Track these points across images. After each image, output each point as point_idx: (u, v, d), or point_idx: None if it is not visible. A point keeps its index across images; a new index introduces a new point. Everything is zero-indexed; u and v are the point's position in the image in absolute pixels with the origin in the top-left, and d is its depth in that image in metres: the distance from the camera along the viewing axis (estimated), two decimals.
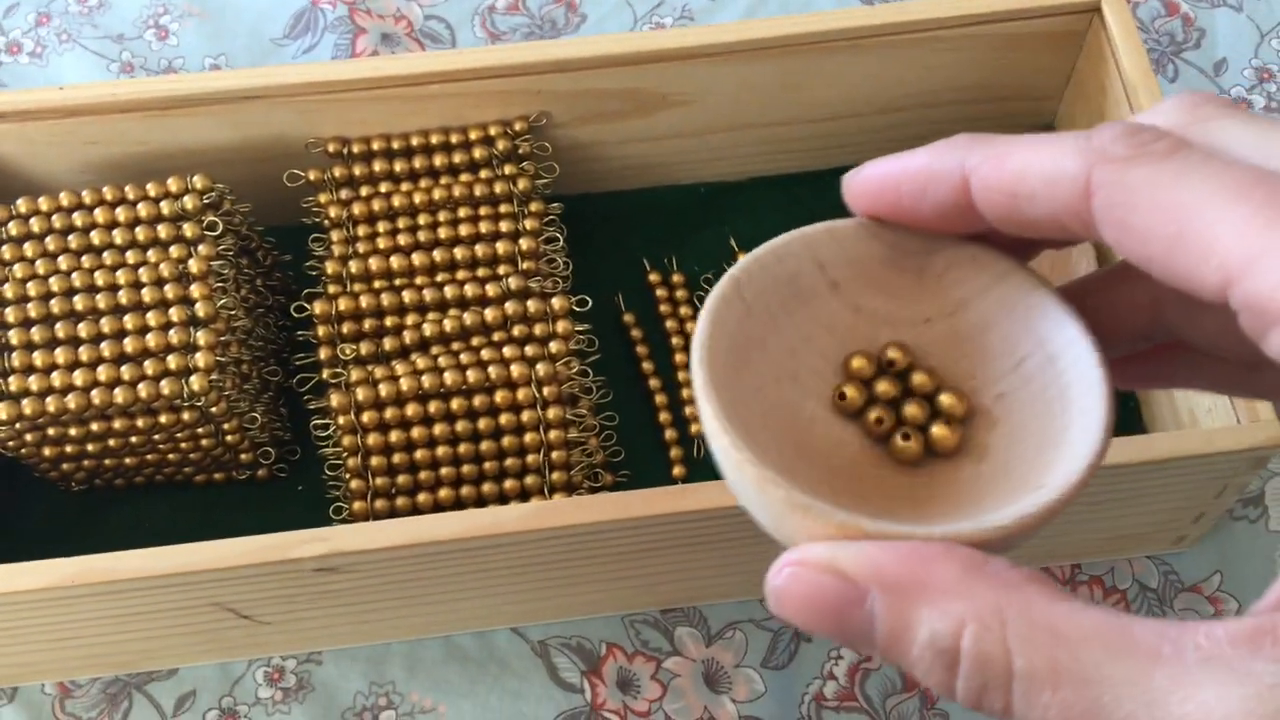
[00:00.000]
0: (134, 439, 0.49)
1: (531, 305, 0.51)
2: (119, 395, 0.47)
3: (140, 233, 0.50)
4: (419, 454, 0.49)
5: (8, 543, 0.53)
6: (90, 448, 0.50)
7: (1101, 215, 0.22)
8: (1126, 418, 0.53)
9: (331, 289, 0.52)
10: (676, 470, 0.54)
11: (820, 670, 0.51)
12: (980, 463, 0.29)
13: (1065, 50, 0.55)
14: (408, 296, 0.51)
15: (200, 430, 0.50)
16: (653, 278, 0.58)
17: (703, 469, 0.54)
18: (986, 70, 0.56)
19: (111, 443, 0.49)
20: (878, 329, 0.30)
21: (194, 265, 0.49)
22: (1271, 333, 0.20)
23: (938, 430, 0.28)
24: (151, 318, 0.48)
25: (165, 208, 0.50)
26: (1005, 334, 0.30)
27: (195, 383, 0.47)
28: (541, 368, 0.49)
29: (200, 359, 0.47)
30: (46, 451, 0.50)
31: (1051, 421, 0.29)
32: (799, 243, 0.29)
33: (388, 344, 0.51)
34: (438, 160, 0.54)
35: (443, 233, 0.53)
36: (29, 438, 0.49)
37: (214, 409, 0.48)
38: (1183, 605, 0.51)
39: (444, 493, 0.50)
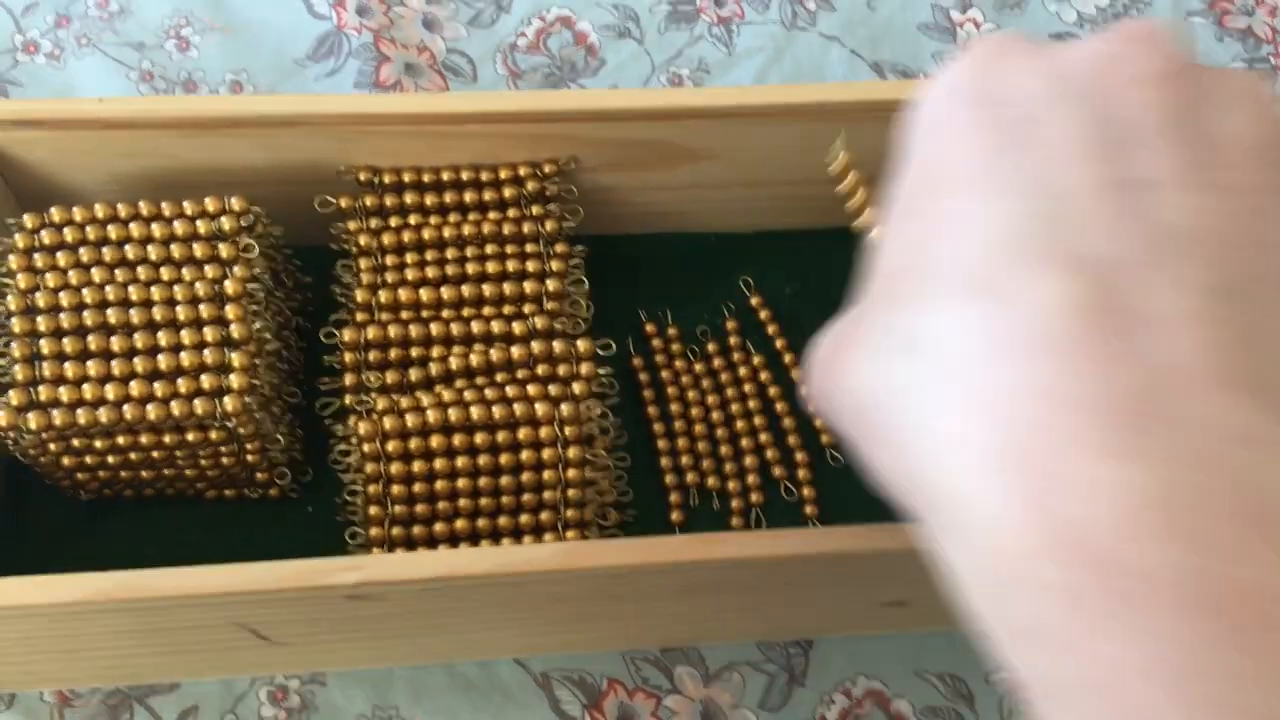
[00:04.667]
0: (156, 454, 0.50)
1: (556, 346, 0.52)
2: (151, 411, 0.47)
3: (175, 250, 0.50)
4: (439, 485, 0.50)
5: (12, 550, 0.53)
6: (111, 460, 0.50)
7: None
8: None
9: (360, 317, 0.53)
10: (675, 515, 0.56)
11: (813, 714, 0.53)
12: None
13: None
14: (435, 329, 0.52)
15: (224, 449, 0.50)
16: (649, 329, 0.60)
17: (697, 516, 0.56)
18: None
19: (133, 456, 0.50)
20: None
21: (230, 286, 0.49)
22: None
23: None
24: (185, 336, 0.48)
25: (201, 226, 0.51)
26: None
27: (229, 403, 0.47)
28: (565, 408, 0.50)
29: (234, 380, 0.48)
30: (65, 461, 0.50)
31: None
32: None
33: (413, 375, 0.52)
34: (468, 196, 0.56)
35: (470, 268, 0.54)
36: (52, 447, 0.49)
37: (242, 430, 0.49)
38: None
39: (460, 524, 0.51)
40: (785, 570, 0.46)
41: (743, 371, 0.59)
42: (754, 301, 0.61)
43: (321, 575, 0.43)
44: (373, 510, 0.50)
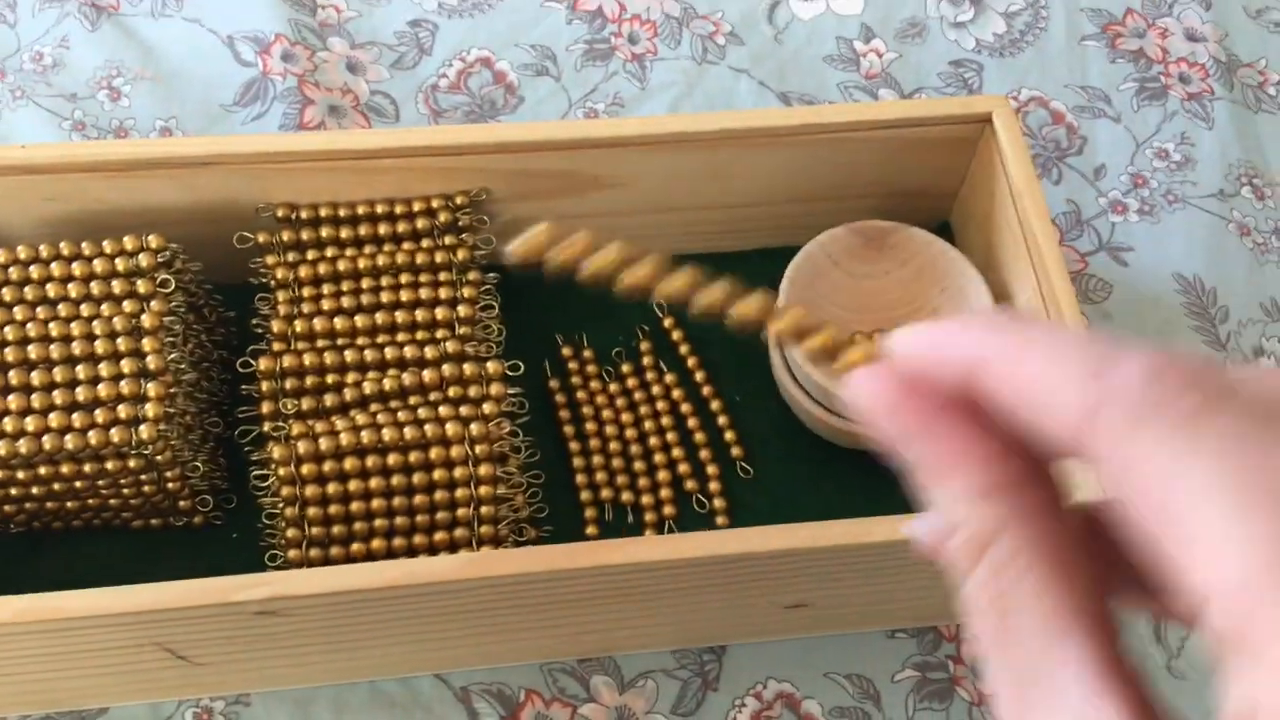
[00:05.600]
0: (79, 484, 0.51)
1: (467, 368, 0.54)
2: (69, 441, 0.49)
3: (95, 287, 0.52)
4: (354, 505, 0.52)
5: None
6: (35, 491, 0.52)
7: (1101, 466, 0.20)
8: None
9: (276, 346, 0.55)
10: (589, 530, 0.58)
11: (725, 717, 0.54)
12: None
13: (960, 154, 0.61)
14: (349, 356, 0.54)
15: (144, 477, 0.52)
16: (565, 352, 0.62)
17: (612, 530, 0.58)
18: (890, 169, 0.61)
19: (56, 487, 0.51)
20: (860, 281, 0.59)
21: (146, 320, 0.51)
22: (1230, 660, 0.18)
23: None
24: (103, 368, 0.50)
25: (120, 264, 0.53)
26: (934, 275, 0.59)
27: (144, 432, 0.49)
28: (475, 427, 0.52)
29: (150, 409, 0.50)
30: None
31: None
32: (813, 245, 0.58)
33: (329, 400, 0.54)
34: (382, 229, 0.58)
35: (385, 297, 0.56)
36: None
37: (160, 457, 0.51)
38: None
39: (376, 543, 0.53)
40: (682, 574, 0.48)
41: (656, 390, 0.61)
42: (666, 323, 0.63)
43: (230, 592, 0.45)
44: (291, 533, 0.52)
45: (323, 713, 0.54)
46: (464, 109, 0.70)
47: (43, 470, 0.50)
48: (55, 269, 0.52)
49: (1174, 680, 0.55)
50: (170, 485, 0.53)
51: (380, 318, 0.55)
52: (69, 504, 0.53)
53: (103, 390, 0.50)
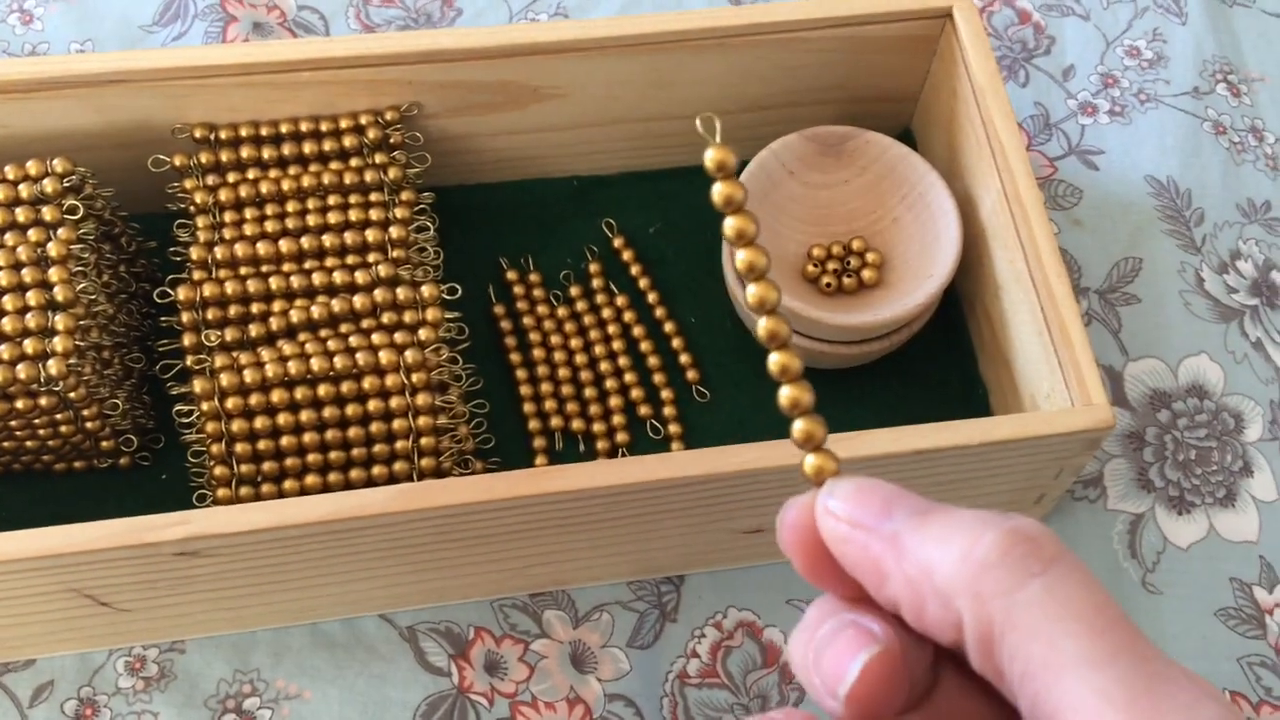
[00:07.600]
0: None
1: (401, 293, 0.51)
2: None
3: None
4: (285, 441, 0.49)
5: None
6: None
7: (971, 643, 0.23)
8: (975, 405, 0.56)
9: (197, 275, 0.51)
10: (539, 460, 0.55)
11: (684, 649, 0.52)
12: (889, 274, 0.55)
13: (920, 54, 0.57)
14: (275, 283, 0.51)
15: (59, 417, 0.49)
16: (510, 275, 0.59)
17: (563, 460, 0.55)
18: (846, 72, 0.58)
19: None
20: (818, 192, 0.56)
21: (53, 249, 0.48)
22: None
23: (867, 273, 0.55)
24: (8, 301, 0.47)
25: (24, 191, 0.49)
26: (894, 181, 0.56)
27: (53, 367, 0.46)
28: (410, 354, 0.49)
29: (58, 343, 0.47)
30: None
31: (930, 229, 0.54)
32: (766, 153, 0.55)
33: (254, 330, 0.51)
34: (307, 148, 0.54)
35: (311, 220, 0.53)
36: None
37: (72, 394, 0.48)
38: None
39: (311, 479, 0.50)
40: (631, 500, 0.46)
41: (606, 313, 0.58)
42: (617, 243, 0.60)
43: (144, 533, 0.42)
44: (218, 471, 0.49)
45: (262, 657, 0.51)
46: (398, 23, 0.66)
47: None
48: None
49: (1149, 595, 0.53)
50: (89, 425, 0.50)
51: (307, 242, 0.52)
52: None
53: (7, 325, 0.47)
